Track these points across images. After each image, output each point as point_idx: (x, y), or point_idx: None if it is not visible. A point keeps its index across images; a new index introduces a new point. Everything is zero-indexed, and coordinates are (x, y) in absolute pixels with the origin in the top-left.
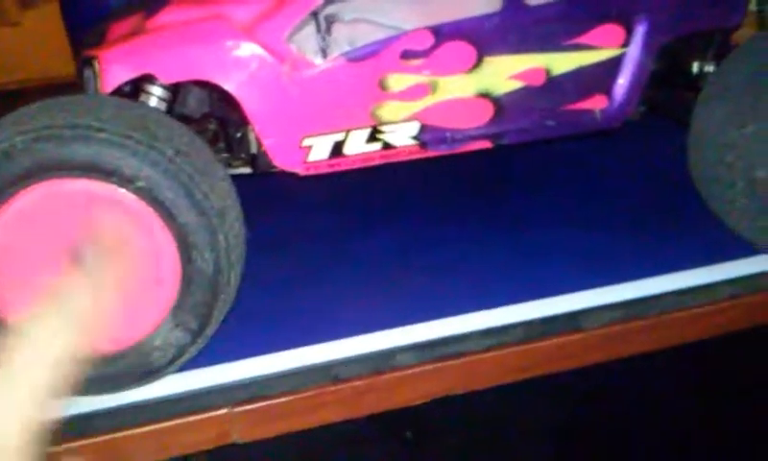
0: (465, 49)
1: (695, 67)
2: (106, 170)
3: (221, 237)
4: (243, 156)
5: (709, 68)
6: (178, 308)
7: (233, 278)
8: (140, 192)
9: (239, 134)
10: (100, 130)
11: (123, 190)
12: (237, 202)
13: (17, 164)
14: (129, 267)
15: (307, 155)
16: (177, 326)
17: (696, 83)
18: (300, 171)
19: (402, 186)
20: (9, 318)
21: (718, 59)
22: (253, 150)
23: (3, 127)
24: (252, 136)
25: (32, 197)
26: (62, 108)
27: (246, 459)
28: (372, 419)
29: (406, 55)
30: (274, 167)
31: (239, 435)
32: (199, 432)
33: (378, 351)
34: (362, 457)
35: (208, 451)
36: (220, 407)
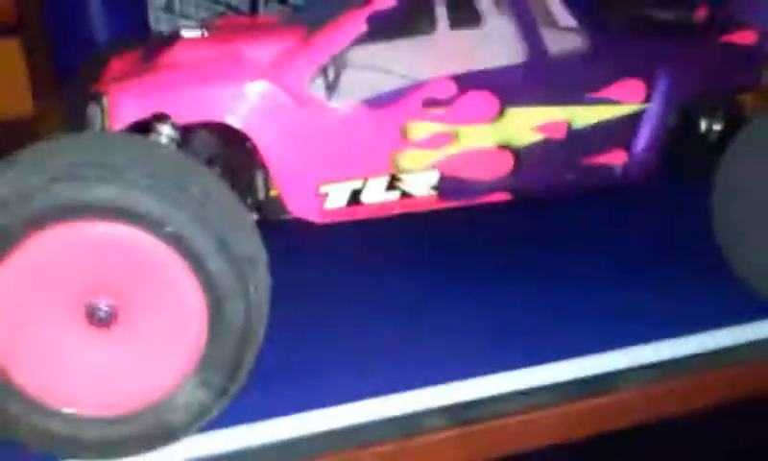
0: (487, 99)
1: (703, 125)
2: (130, 213)
3: (252, 287)
4: (249, 201)
5: (717, 127)
6: (203, 365)
7: (262, 332)
8: (168, 238)
9: (246, 179)
10: (125, 170)
11: (148, 236)
12: (264, 249)
13: (33, 205)
14: (151, 320)
15: (324, 202)
16: (201, 383)
17: (703, 140)
18: (316, 219)
19: (416, 239)
20: (14, 370)
21: (726, 117)
22: (261, 196)
23: (19, 165)
24: (260, 182)
25: (47, 241)
26: (82, 145)
27: None
28: None
29: (428, 103)
30: (285, 214)
31: None
32: None
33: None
34: None
35: None
36: None
